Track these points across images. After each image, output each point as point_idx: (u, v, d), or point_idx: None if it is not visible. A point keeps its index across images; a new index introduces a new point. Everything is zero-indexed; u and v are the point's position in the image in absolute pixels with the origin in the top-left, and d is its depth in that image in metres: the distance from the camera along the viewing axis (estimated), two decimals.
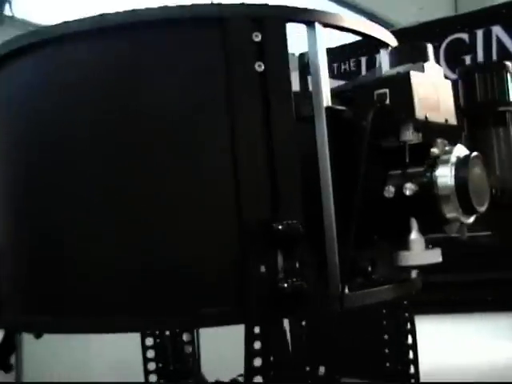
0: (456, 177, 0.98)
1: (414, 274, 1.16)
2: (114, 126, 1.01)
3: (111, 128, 1.01)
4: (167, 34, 1.02)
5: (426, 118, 0.98)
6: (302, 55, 3.28)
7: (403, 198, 0.98)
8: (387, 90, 0.98)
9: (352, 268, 1.01)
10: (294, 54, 2.48)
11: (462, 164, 0.99)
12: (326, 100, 1.03)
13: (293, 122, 0.99)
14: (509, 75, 1.31)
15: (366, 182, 1.01)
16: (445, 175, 0.98)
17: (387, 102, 0.98)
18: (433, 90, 1.01)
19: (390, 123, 0.99)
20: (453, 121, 1.06)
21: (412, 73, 0.98)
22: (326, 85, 1.04)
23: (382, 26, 1.25)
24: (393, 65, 1.06)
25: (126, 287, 0.99)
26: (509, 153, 1.28)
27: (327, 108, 1.02)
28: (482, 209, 1.02)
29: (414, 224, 1.01)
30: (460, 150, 1.02)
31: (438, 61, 1.23)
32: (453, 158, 0.99)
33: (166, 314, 0.97)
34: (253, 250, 0.95)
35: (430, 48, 1.06)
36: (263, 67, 0.99)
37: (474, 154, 1.02)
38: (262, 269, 0.95)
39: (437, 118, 1.01)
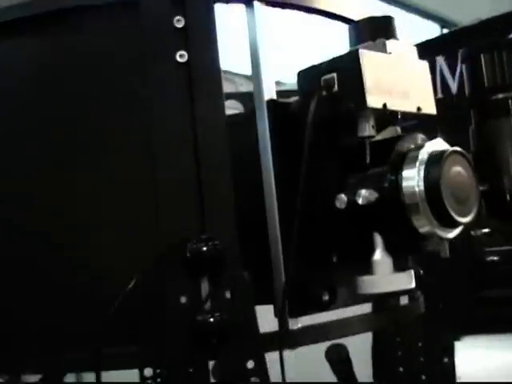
0: (426, 179, 0.76)
1: (403, 300, 0.96)
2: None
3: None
4: (84, 22, 0.87)
5: (384, 106, 0.77)
6: None
7: (359, 208, 0.77)
8: (335, 75, 0.79)
9: (301, 297, 0.81)
10: None
11: (433, 162, 0.77)
12: (269, 91, 0.85)
13: (222, 121, 0.82)
14: None
15: (319, 189, 0.81)
16: (411, 177, 0.77)
17: (335, 88, 0.78)
18: (397, 72, 0.80)
19: (343, 115, 0.79)
20: (429, 110, 0.84)
21: (362, 51, 0.77)
22: (270, 74, 0.85)
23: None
24: (352, 44, 0.86)
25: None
26: None
27: (269, 101, 0.84)
28: (467, 219, 0.79)
29: (379, 241, 0.80)
30: (436, 145, 0.80)
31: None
32: (422, 156, 0.78)
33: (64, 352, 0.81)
34: (171, 276, 0.78)
35: (394, 22, 0.85)
36: (186, 57, 0.82)
37: (453, 148, 0.80)
38: (183, 299, 0.77)
39: (403, 106, 0.80)
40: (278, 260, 0.82)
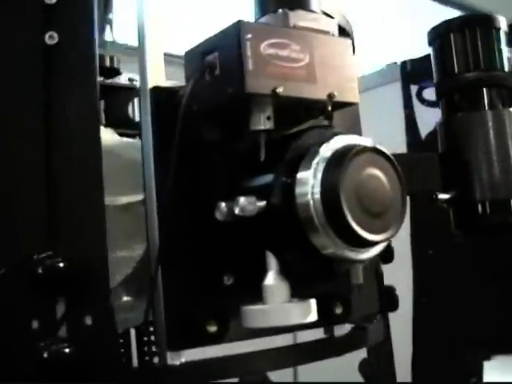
0: (323, 184, 0.60)
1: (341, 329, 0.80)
2: None
3: None
4: None
5: (273, 91, 0.61)
6: (404, 63, 2.86)
7: (243, 220, 0.62)
8: (217, 54, 0.63)
9: (183, 327, 0.66)
10: (396, 63, 2.13)
11: (334, 164, 0.60)
12: (156, 76, 0.70)
13: (93, 116, 0.68)
14: (501, 33, 0.88)
15: (202, 196, 0.66)
16: (305, 182, 0.60)
17: (218, 71, 0.63)
18: (299, 50, 0.64)
19: (227, 103, 0.63)
20: (347, 97, 0.67)
21: (244, 24, 0.61)
22: (159, 56, 0.71)
23: None
24: (256, 18, 0.70)
25: None
26: (502, 147, 0.85)
27: (154, 88, 0.69)
28: (382, 237, 0.62)
29: (272, 262, 0.64)
30: (351, 140, 0.63)
31: None
32: (323, 153, 0.61)
33: None
34: (21, 297, 0.64)
35: None
36: (56, 39, 0.68)
37: (367, 145, 0.63)
38: (35, 324, 0.64)
39: (306, 92, 0.64)
40: (157, 281, 0.67)
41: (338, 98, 0.65)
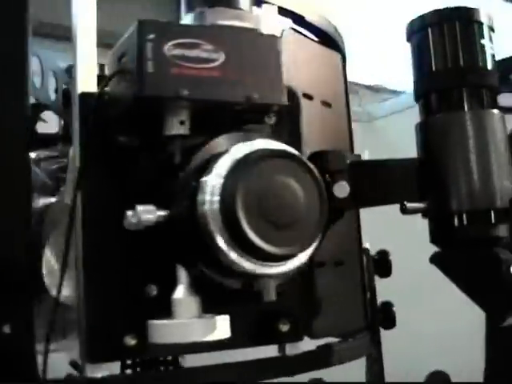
0: (221, 194, 0.55)
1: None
2: None
3: None
4: None
5: (177, 94, 0.57)
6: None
7: (152, 230, 0.58)
8: (127, 57, 0.60)
9: (100, 339, 0.64)
10: None
11: (235, 170, 0.56)
12: (85, 82, 0.68)
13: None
14: (484, 28, 0.80)
15: (121, 204, 0.64)
16: (205, 191, 0.56)
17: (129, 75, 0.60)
18: (211, 50, 0.60)
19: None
20: (271, 99, 0.62)
21: (146, 23, 0.58)
22: (91, 59, 0.69)
23: None
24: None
25: None
26: (483, 152, 0.77)
27: (82, 94, 0.67)
28: (290, 250, 0.56)
29: (182, 275, 0.60)
30: (256, 146, 0.58)
31: None
32: (226, 159, 0.57)
33: None
34: None
35: None
36: None
37: (275, 149, 0.58)
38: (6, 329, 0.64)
39: (223, 94, 0.60)
40: (80, 292, 0.65)
41: (258, 100, 0.61)
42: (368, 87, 3.24)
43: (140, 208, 0.57)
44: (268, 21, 0.78)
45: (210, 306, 0.60)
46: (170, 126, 0.61)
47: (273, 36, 0.64)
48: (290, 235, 0.56)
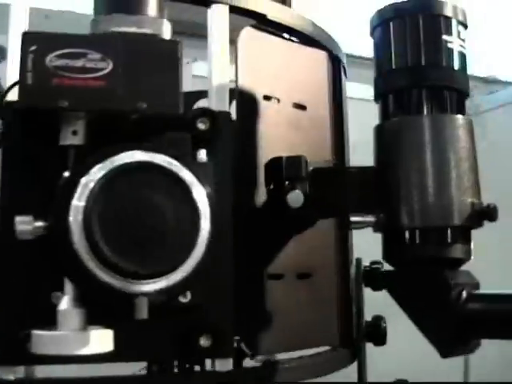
0: (83, 209, 0.54)
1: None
2: None
3: None
4: None
5: (58, 106, 0.56)
6: None
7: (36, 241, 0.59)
8: None
9: (8, 343, 0.65)
10: None
11: (99, 184, 0.54)
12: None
13: None
14: (452, 23, 0.72)
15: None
16: (75, 205, 0.55)
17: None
18: (98, 59, 0.58)
19: None
20: (164, 109, 0.59)
21: (30, 35, 0.57)
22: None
23: None
24: None
25: None
26: (440, 162, 0.70)
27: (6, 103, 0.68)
28: (166, 267, 0.54)
29: (68, 286, 0.59)
30: (129, 158, 0.56)
31: None
32: (95, 172, 0.55)
33: None
34: None
35: None
36: None
37: (137, 162, 0.55)
38: None
39: (109, 104, 0.58)
40: None
41: (147, 110, 0.59)
42: (478, 78, 3.05)
43: (18, 219, 0.57)
44: (217, 21, 0.76)
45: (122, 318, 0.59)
46: (63, 135, 0.60)
47: (173, 41, 0.61)
48: (156, 252, 0.54)
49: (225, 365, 0.71)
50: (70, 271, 0.58)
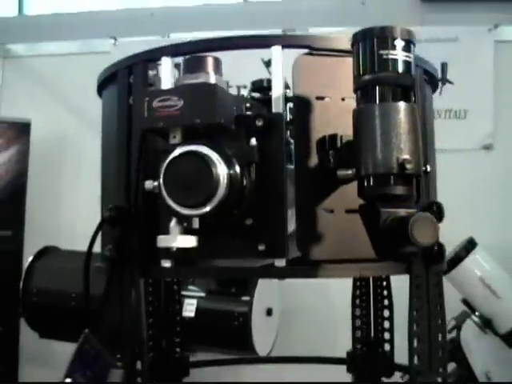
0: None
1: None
2: None
3: None
4: None
5: (159, 127, 1.17)
6: None
7: None
8: None
9: None
10: None
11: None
12: None
13: None
14: (396, 42, 1.07)
15: None
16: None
17: None
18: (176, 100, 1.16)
19: None
20: None
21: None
22: None
23: None
24: None
25: None
26: (385, 134, 1.08)
27: None
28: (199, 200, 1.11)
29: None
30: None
31: None
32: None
33: None
34: None
35: None
36: None
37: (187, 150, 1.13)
38: None
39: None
40: None
41: (200, 123, 1.15)
42: None
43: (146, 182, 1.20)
44: (276, 56, 1.25)
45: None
46: (170, 139, 1.20)
47: (210, 84, 1.16)
48: (194, 194, 1.10)
49: (280, 263, 1.21)
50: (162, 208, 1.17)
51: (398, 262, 1.25)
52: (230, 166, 1.14)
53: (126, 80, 1.33)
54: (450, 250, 2.40)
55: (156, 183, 1.19)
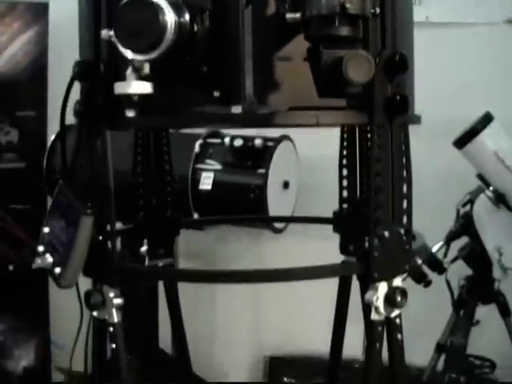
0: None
1: None
2: None
3: None
4: None
5: None
6: None
7: None
8: None
9: None
10: None
11: None
12: None
13: None
14: None
15: None
16: None
17: None
18: None
19: None
20: None
21: None
22: None
23: None
24: None
25: None
26: None
27: None
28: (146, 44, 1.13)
29: None
30: None
31: None
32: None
33: None
34: None
35: None
36: None
37: None
38: None
39: None
40: None
41: None
42: None
43: None
44: None
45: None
46: None
47: None
48: (144, 39, 1.11)
49: (236, 109, 1.21)
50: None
51: (360, 112, 1.24)
52: (179, 13, 1.13)
53: None
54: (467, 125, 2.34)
55: (112, 32, 1.20)
